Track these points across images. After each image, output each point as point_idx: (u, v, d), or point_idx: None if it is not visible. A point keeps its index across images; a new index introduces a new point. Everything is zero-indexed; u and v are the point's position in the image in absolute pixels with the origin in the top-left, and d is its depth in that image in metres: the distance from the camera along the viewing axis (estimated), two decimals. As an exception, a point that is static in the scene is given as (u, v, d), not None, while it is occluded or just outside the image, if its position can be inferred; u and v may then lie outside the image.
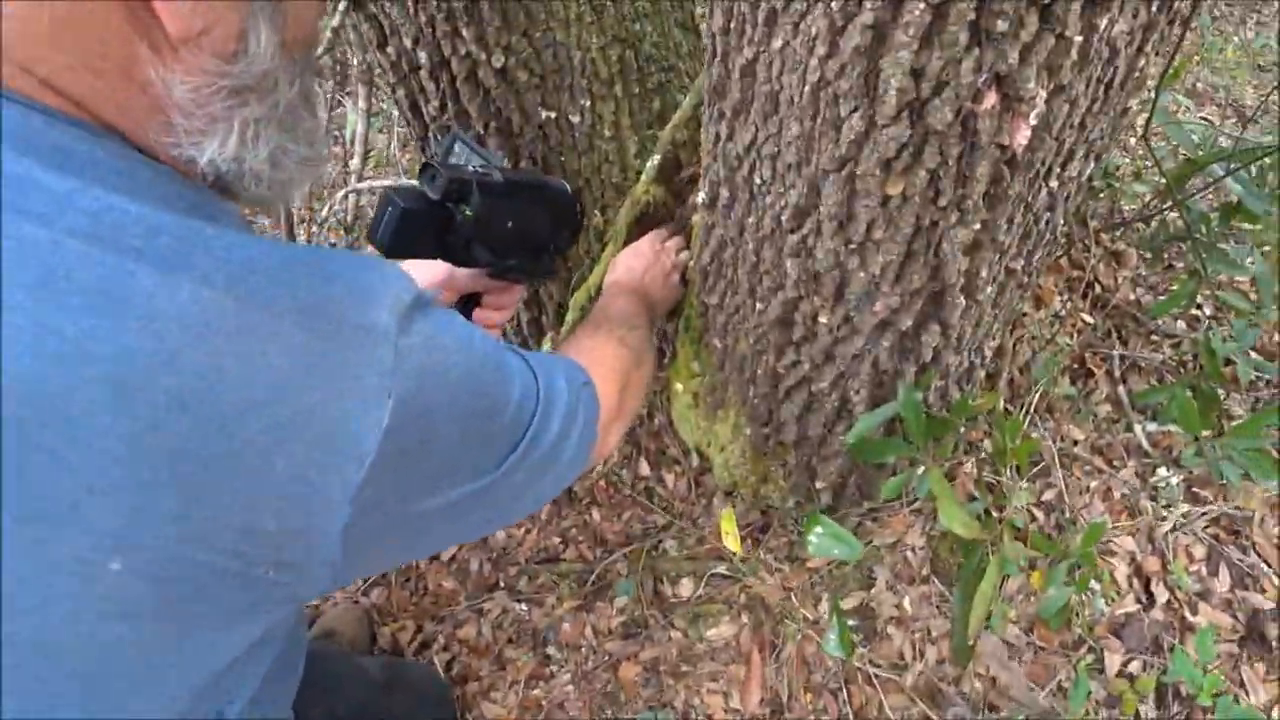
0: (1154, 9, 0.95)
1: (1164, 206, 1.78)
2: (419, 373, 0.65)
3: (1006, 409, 1.83)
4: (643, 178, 1.55)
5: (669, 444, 1.92)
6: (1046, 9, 0.83)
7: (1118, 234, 2.20)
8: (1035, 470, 1.83)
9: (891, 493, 1.31)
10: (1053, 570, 1.29)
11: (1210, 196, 1.98)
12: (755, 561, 1.72)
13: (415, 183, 1.09)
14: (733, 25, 1.01)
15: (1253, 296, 2.02)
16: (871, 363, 1.31)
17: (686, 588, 1.75)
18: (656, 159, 1.54)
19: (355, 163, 2.58)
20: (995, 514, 1.59)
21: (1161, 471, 1.97)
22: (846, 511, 1.67)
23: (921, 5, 0.81)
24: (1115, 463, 1.95)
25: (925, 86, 0.89)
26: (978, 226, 1.06)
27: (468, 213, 1.08)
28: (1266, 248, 2.13)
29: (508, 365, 0.81)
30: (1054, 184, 1.12)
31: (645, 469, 1.91)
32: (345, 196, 2.27)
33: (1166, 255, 2.25)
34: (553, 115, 1.50)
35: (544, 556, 1.83)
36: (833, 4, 0.86)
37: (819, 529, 1.22)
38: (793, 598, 1.67)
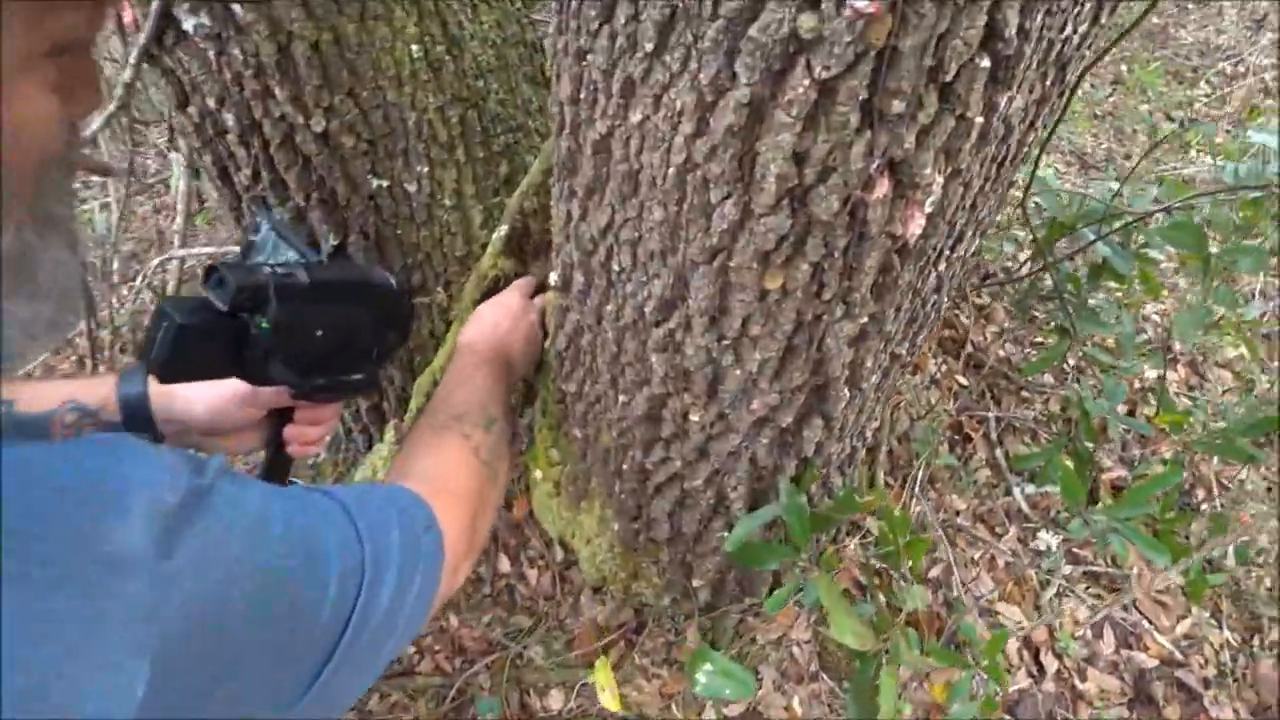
0: (1049, 83, 0.86)
1: (1036, 269, 1.73)
2: (191, 604, 0.48)
3: (887, 482, 1.73)
4: (489, 250, 1.39)
5: (530, 536, 1.75)
6: (947, 87, 0.71)
7: (983, 290, 2.16)
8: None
9: (777, 606, 1.18)
10: (956, 686, 1.18)
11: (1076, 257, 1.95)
12: (630, 667, 1.56)
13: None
14: (583, 94, 0.87)
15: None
16: (749, 459, 1.18)
17: (556, 699, 1.58)
18: (504, 229, 1.38)
19: (178, 223, 2.34)
20: (884, 603, 1.48)
21: (1042, 535, 1.92)
22: (726, 609, 1.53)
23: (806, 82, 0.68)
24: (998, 529, 1.88)
25: (809, 173, 0.76)
26: (865, 320, 0.94)
27: (264, 324, 0.91)
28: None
29: (320, 547, 0.64)
30: (942, 266, 1.01)
31: (505, 565, 1.73)
32: (161, 266, 2.02)
33: (1033, 310, 2.22)
34: (385, 184, 1.32)
35: (397, 670, 1.63)
36: (700, 76, 0.73)
37: (707, 666, 1.08)
38: (674, 707, 1.52)
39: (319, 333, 0.98)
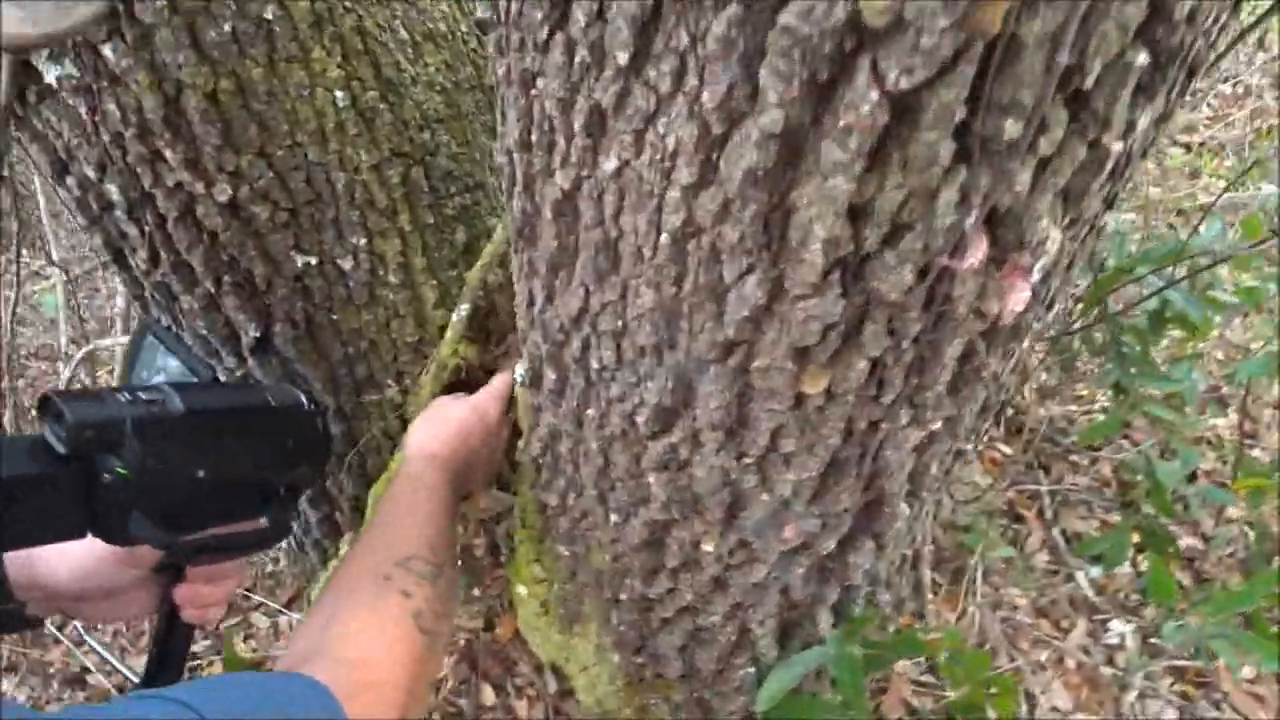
0: (1174, 93, 0.62)
1: (1091, 321, 1.49)
2: None
3: (934, 580, 1.47)
4: (449, 334, 1.14)
5: (517, 659, 1.48)
6: (1081, 99, 0.46)
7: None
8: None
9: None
10: None
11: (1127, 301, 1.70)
12: (640, 828, 1.28)
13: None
14: (535, 136, 0.62)
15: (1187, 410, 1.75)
16: (780, 590, 0.93)
17: None
18: (465, 309, 1.13)
19: (119, 305, 2.09)
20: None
21: (1114, 625, 1.65)
22: (756, 756, 1.25)
23: (874, 96, 0.43)
24: (1063, 623, 1.61)
25: (872, 234, 0.51)
26: (937, 425, 0.69)
27: (118, 470, 0.68)
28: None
29: None
30: (1025, 342, 0.76)
31: (490, 696, 1.46)
32: (88, 357, 1.75)
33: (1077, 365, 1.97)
34: (314, 261, 1.08)
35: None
36: (704, 96, 0.48)
37: None
38: None
39: (199, 474, 0.74)
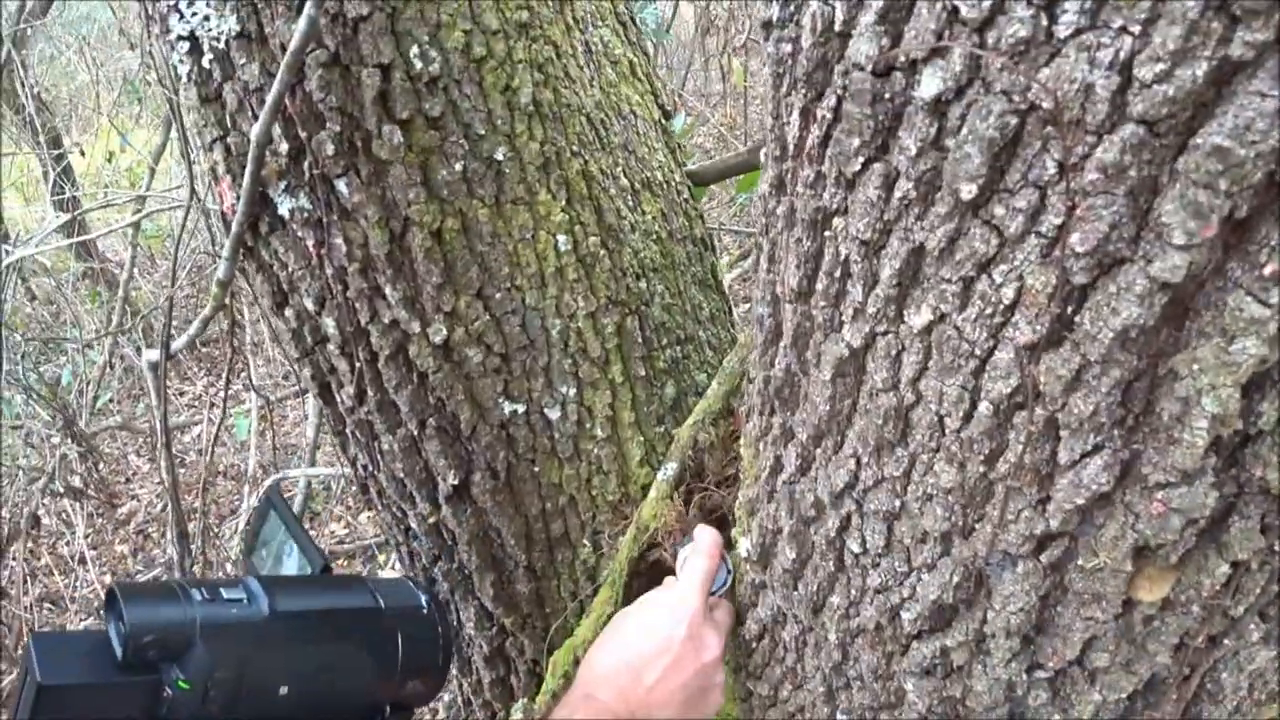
0: None
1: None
2: None
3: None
4: (651, 495, 1.06)
5: None
6: None
7: None
8: None
9: None
10: None
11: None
12: None
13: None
14: (821, 284, 0.55)
15: None
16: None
17: None
18: (672, 469, 1.06)
19: (309, 434, 2.12)
20: None
21: None
22: None
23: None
24: None
25: (1268, 408, 0.40)
26: (1294, 646, 0.56)
27: (180, 682, 0.61)
28: None
29: None
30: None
31: None
32: (275, 486, 1.77)
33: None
34: (520, 410, 1.03)
35: None
36: (1072, 239, 0.40)
37: None
38: None
39: (281, 690, 0.67)
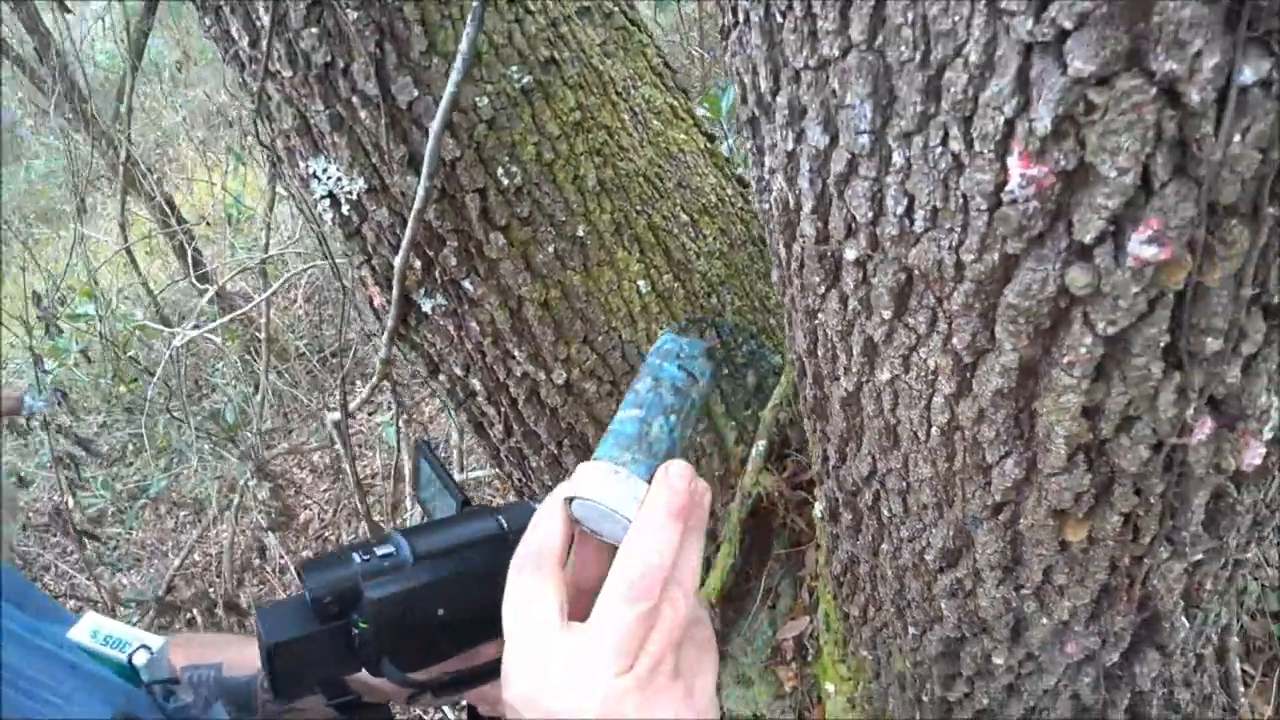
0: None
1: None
2: None
3: (1245, 672, 1.46)
4: (748, 468, 1.32)
5: (830, 751, 1.60)
6: (1273, 309, 0.57)
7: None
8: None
9: None
10: None
11: None
12: None
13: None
14: (820, 351, 0.79)
15: None
16: (1070, 695, 1.01)
17: None
18: (762, 444, 1.31)
19: (453, 437, 2.43)
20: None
21: None
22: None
23: (1088, 339, 0.57)
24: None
25: (1105, 426, 0.63)
26: (1199, 556, 0.78)
27: (361, 624, 0.78)
28: None
29: None
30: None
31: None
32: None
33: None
34: (632, 420, 1.29)
35: None
36: (954, 340, 0.63)
37: None
38: None
39: (439, 612, 0.80)
